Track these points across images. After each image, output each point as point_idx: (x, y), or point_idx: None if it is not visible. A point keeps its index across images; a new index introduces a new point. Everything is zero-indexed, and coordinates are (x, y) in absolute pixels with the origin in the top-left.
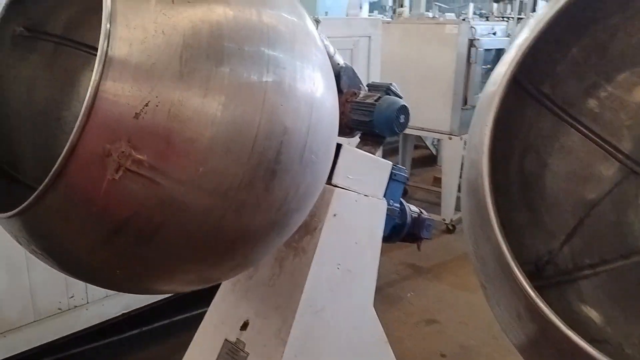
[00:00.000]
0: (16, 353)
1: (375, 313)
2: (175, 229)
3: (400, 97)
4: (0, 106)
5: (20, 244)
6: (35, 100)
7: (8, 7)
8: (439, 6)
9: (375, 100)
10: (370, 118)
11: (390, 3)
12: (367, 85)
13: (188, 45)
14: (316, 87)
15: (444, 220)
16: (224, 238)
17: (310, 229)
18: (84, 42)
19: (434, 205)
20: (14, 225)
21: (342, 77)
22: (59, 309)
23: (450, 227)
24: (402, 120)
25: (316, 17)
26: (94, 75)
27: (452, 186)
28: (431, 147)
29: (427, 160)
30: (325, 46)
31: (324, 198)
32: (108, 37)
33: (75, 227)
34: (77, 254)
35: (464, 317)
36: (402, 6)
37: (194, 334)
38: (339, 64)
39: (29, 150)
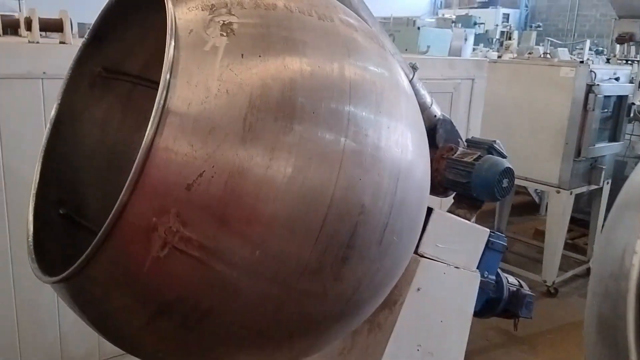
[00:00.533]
0: None
1: None
2: (225, 317)
3: (505, 157)
4: (74, 147)
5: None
6: (108, 142)
7: (85, 47)
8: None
9: (475, 159)
10: (467, 179)
11: (497, 35)
12: (467, 141)
13: (254, 106)
14: (404, 155)
15: (545, 282)
16: (282, 329)
17: (389, 302)
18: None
19: (534, 261)
20: (59, 290)
21: (439, 131)
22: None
23: (552, 291)
24: (504, 184)
25: (413, 63)
26: (146, 138)
27: (556, 245)
28: (534, 195)
29: (529, 208)
30: (422, 96)
31: (407, 269)
32: (166, 94)
33: (116, 303)
34: (119, 329)
35: None
36: (510, 39)
37: None
38: (435, 115)
39: (99, 194)
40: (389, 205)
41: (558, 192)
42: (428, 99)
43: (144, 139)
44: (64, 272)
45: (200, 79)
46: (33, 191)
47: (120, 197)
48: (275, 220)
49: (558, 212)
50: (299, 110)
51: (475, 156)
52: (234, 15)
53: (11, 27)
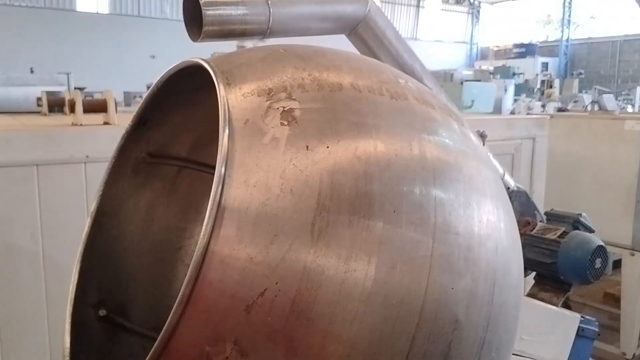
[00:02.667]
0: None
1: None
2: None
3: (592, 231)
4: (116, 240)
5: None
6: (153, 231)
7: (129, 134)
8: (598, 89)
9: (560, 236)
10: (553, 260)
11: (538, 85)
12: (546, 214)
13: (324, 208)
14: (499, 252)
15: (624, 354)
16: None
17: None
18: (209, 163)
19: (608, 329)
20: None
21: (513, 204)
22: None
23: None
24: (597, 265)
25: (481, 131)
26: (197, 251)
27: (634, 312)
28: None
29: None
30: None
31: None
32: (220, 199)
33: None
34: None
35: None
36: (551, 87)
37: None
38: (509, 187)
39: (143, 290)
40: (486, 317)
41: (632, 254)
42: (500, 170)
43: (196, 250)
44: None
45: (259, 178)
46: (71, 295)
47: (168, 321)
48: (353, 346)
49: (634, 276)
50: (377, 210)
51: (559, 232)
52: (295, 100)
53: (57, 105)
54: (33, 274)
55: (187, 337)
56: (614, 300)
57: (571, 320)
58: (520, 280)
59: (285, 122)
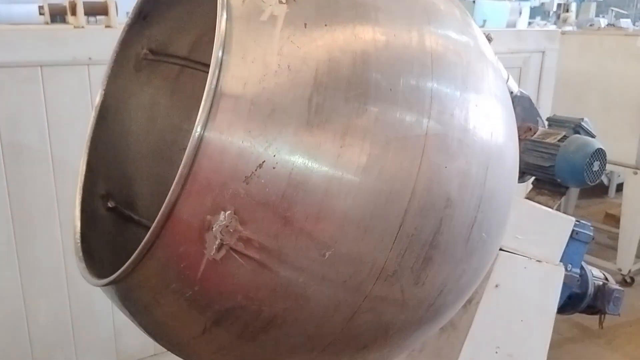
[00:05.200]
0: None
1: None
2: (291, 327)
3: (593, 136)
4: (121, 136)
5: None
6: (157, 130)
7: (130, 28)
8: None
9: (560, 140)
10: (551, 163)
11: (554, 8)
12: (548, 120)
13: (321, 84)
14: (494, 138)
15: (620, 270)
16: (355, 340)
17: None
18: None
19: (605, 248)
20: (107, 292)
21: (516, 109)
22: None
23: (628, 280)
24: (595, 168)
25: (488, 33)
26: (196, 125)
27: (633, 230)
28: (602, 176)
29: (597, 190)
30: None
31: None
32: (218, 73)
33: (168, 309)
34: (172, 336)
35: None
36: (567, 11)
37: None
38: (512, 92)
39: (148, 186)
40: (478, 198)
41: (635, 173)
42: (505, 73)
43: (195, 126)
44: (113, 274)
45: (257, 54)
46: (79, 184)
47: (170, 193)
48: (347, 218)
49: (635, 195)
50: (374, 88)
51: (559, 136)
52: None
53: (59, 14)
54: (43, 173)
55: (189, 207)
56: (615, 221)
57: (566, 222)
58: (515, 170)
59: (284, 0)
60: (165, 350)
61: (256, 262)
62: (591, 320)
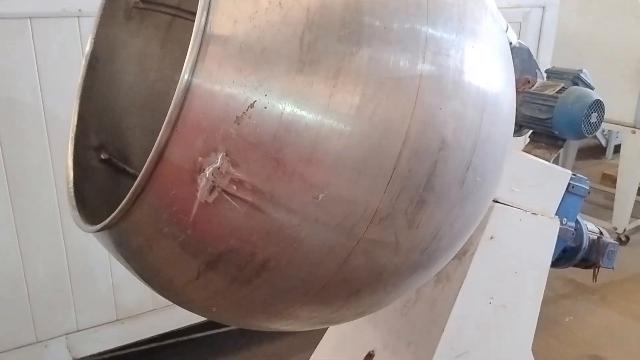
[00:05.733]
0: (135, 341)
1: (533, 359)
2: (284, 270)
3: (592, 88)
4: (112, 87)
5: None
6: (148, 80)
7: None
8: None
9: (558, 92)
10: (549, 115)
11: None
12: (547, 72)
13: (313, 22)
14: (490, 82)
15: (616, 229)
16: (348, 284)
17: (459, 252)
18: None
19: (602, 208)
20: (101, 239)
21: (514, 61)
22: None
23: (623, 239)
24: (593, 119)
25: None
26: (186, 65)
27: (629, 189)
28: (600, 137)
29: (594, 152)
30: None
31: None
32: (207, 13)
33: (162, 254)
34: (167, 282)
35: (637, 358)
36: None
37: (317, 334)
38: (511, 43)
39: (141, 138)
40: (473, 141)
41: (633, 132)
42: (504, 23)
43: (184, 66)
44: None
45: None
46: (71, 134)
47: (160, 135)
48: (340, 160)
49: (632, 154)
50: (367, 27)
51: (558, 88)
52: None
53: None
54: (36, 129)
55: (179, 149)
56: (611, 181)
57: (562, 175)
58: (511, 118)
59: None
60: (164, 305)
61: (248, 205)
62: (585, 277)
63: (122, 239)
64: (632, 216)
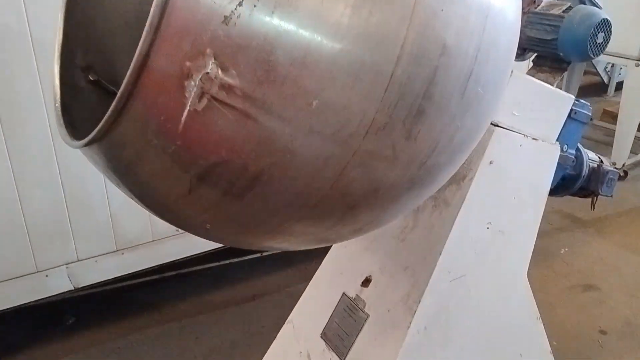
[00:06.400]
0: (135, 271)
1: (528, 284)
2: (277, 183)
3: (599, 7)
4: (97, 7)
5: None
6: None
7: None
8: None
9: (564, 11)
10: (554, 36)
11: None
12: None
13: None
14: None
15: (615, 164)
16: (344, 197)
17: (457, 177)
18: None
19: (601, 144)
20: (90, 156)
21: None
22: (177, 230)
23: (622, 174)
24: (599, 40)
25: None
26: None
27: (630, 124)
28: (602, 74)
29: (596, 89)
30: None
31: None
32: None
33: (152, 167)
34: (159, 198)
35: (632, 287)
36: None
37: (315, 267)
38: None
39: (128, 58)
40: (475, 48)
41: (637, 65)
42: None
43: None
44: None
45: None
46: (57, 54)
47: (143, 39)
48: (335, 64)
49: (635, 86)
50: None
51: (564, 7)
52: None
53: None
54: (24, 56)
55: (165, 53)
56: (612, 117)
57: (565, 100)
58: (515, 29)
59: None
60: (164, 236)
61: (239, 112)
62: (582, 211)
63: (111, 154)
64: (631, 152)
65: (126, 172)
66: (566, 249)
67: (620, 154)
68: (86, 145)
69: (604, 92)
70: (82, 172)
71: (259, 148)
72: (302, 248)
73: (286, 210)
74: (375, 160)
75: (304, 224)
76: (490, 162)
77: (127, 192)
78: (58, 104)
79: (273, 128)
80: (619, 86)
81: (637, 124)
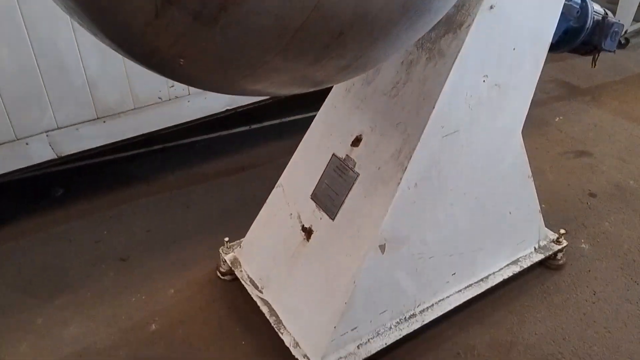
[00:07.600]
0: (117, 140)
1: (522, 142)
2: (253, 3)
3: None
4: None
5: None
6: None
7: None
8: None
9: None
10: None
11: None
12: None
13: None
14: None
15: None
16: (325, 24)
17: (453, 25)
18: None
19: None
20: None
21: None
22: (159, 98)
23: (622, 41)
24: None
25: None
26: None
27: None
28: None
29: None
30: None
31: None
32: None
33: None
34: (124, 25)
35: (624, 152)
36: None
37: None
38: None
39: None
40: None
41: None
42: None
43: None
44: None
45: None
46: None
47: None
48: None
49: None
50: None
51: None
52: None
53: None
54: None
55: None
56: None
57: None
58: None
59: None
60: (145, 104)
61: None
62: (580, 79)
63: None
64: (634, 20)
65: None
66: (561, 117)
67: (624, 20)
68: None
69: None
70: (51, 32)
71: None
72: (288, 91)
73: (265, 39)
74: None
75: (285, 57)
76: (491, 7)
77: (88, 21)
78: None
79: None
80: None
81: None
